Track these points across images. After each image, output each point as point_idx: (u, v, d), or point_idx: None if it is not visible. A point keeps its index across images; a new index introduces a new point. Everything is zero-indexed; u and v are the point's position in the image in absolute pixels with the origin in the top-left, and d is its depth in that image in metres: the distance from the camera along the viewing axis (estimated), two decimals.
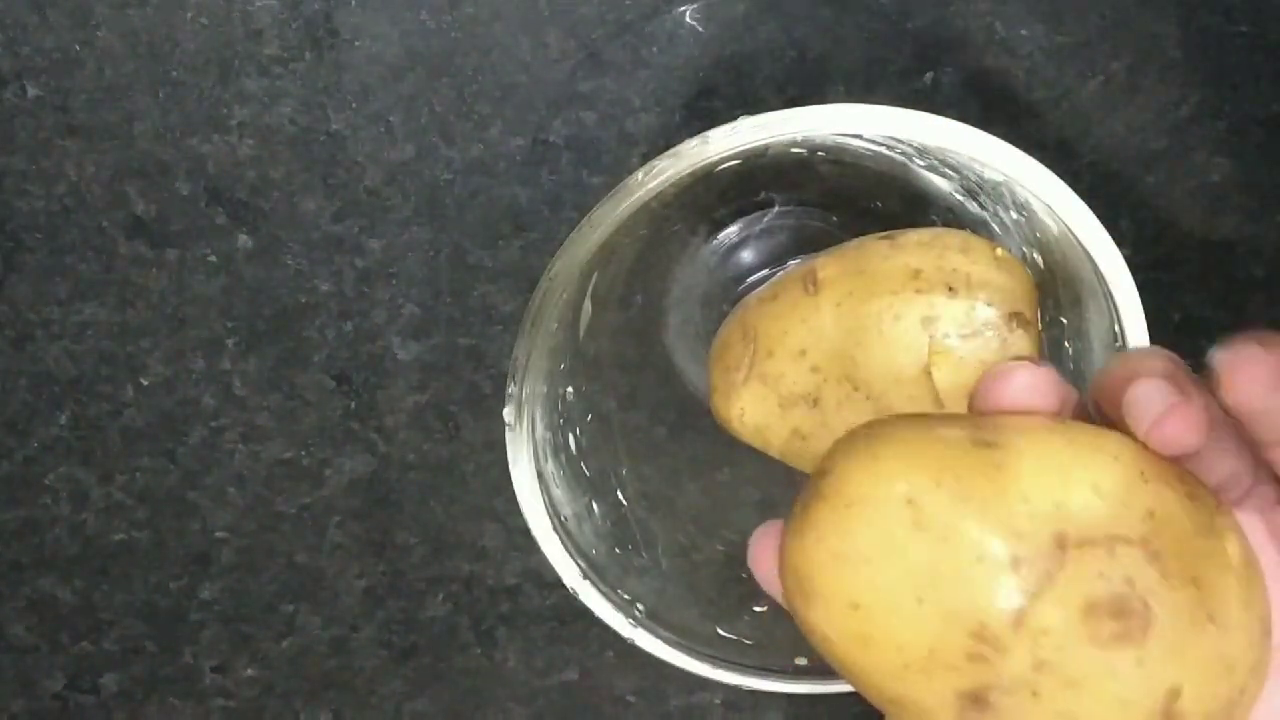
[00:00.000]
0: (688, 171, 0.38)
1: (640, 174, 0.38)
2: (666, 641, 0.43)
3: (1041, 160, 0.37)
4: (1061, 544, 0.26)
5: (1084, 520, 0.26)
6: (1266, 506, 0.29)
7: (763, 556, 0.30)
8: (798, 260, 0.45)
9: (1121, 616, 0.25)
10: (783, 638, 0.43)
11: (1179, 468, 0.28)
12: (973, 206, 0.43)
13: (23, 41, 0.46)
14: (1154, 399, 0.27)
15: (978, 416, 0.29)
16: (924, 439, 0.27)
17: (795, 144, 0.40)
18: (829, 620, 0.27)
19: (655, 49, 0.47)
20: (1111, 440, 0.27)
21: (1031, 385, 0.29)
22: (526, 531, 0.41)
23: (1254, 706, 0.27)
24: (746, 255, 0.48)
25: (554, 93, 0.47)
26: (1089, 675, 0.25)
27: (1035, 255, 0.42)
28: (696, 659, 0.42)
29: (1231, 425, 0.29)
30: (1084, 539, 0.26)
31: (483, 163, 0.48)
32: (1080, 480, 0.26)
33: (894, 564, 0.26)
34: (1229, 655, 0.26)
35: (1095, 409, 0.30)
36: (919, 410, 0.40)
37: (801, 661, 0.43)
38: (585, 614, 0.42)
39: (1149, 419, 0.27)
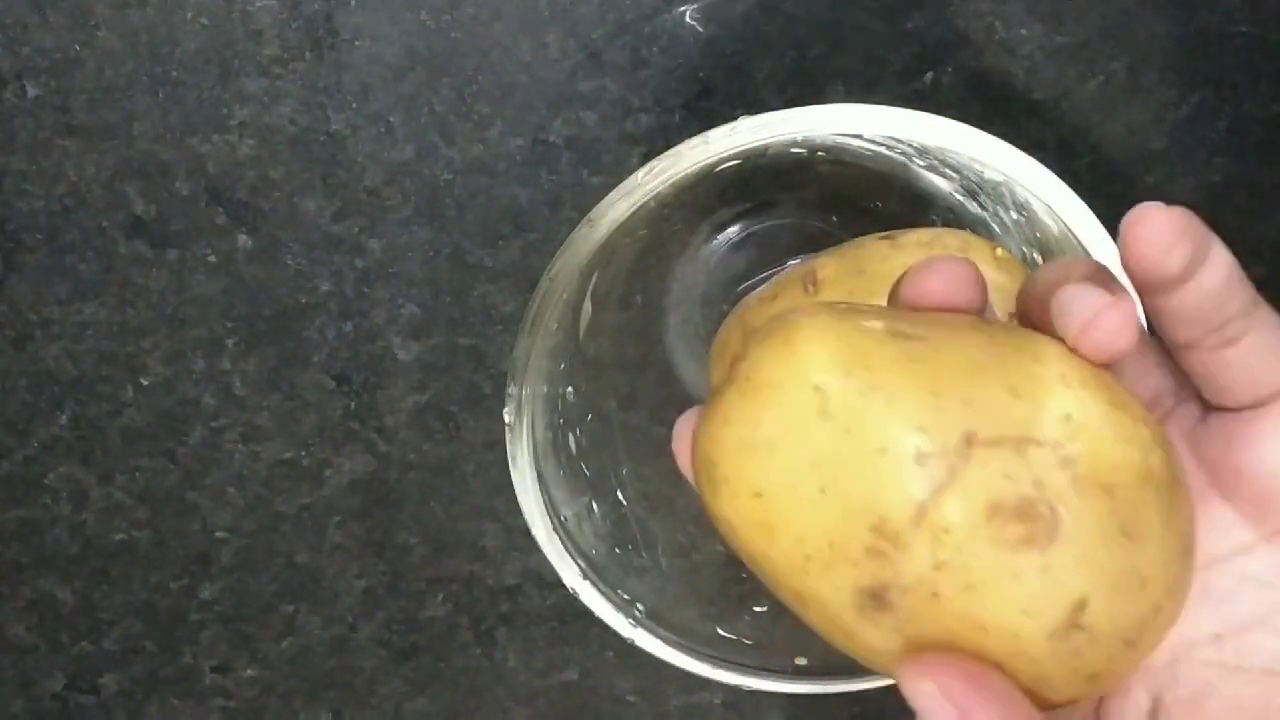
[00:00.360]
0: (688, 171, 0.38)
1: (640, 174, 0.38)
2: (666, 641, 0.43)
3: (1041, 160, 0.37)
4: (969, 441, 0.25)
5: (995, 420, 0.25)
6: (1189, 425, 0.28)
7: (683, 441, 0.29)
8: (798, 260, 0.45)
9: (1027, 520, 0.24)
10: (783, 638, 0.43)
11: (1107, 375, 0.26)
12: (973, 206, 0.43)
13: (23, 41, 0.46)
14: (1083, 303, 0.26)
15: (906, 311, 0.27)
16: (841, 327, 0.26)
17: (795, 144, 0.40)
18: (734, 507, 0.26)
19: (655, 49, 0.47)
20: (1035, 342, 0.27)
21: (955, 278, 0.27)
22: (526, 531, 0.41)
23: (1169, 626, 0.26)
24: (746, 255, 0.48)
25: (554, 93, 0.47)
26: (990, 578, 0.24)
27: (1035, 255, 0.42)
28: (696, 659, 0.42)
29: (1155, 343, 0.29)
30: (993, 439, 0.25)
31: (483, 163, 0.48)
32: (995, 379, 0.25)
33: (798, 452, 0.25)
34: (1143, 570, 0.25)
35: (1023, 319, 0.29)
36: None
37: (801, 661, 0.43)
38: (585, 614, 0.42)
39: (1077, 323, 0.26)
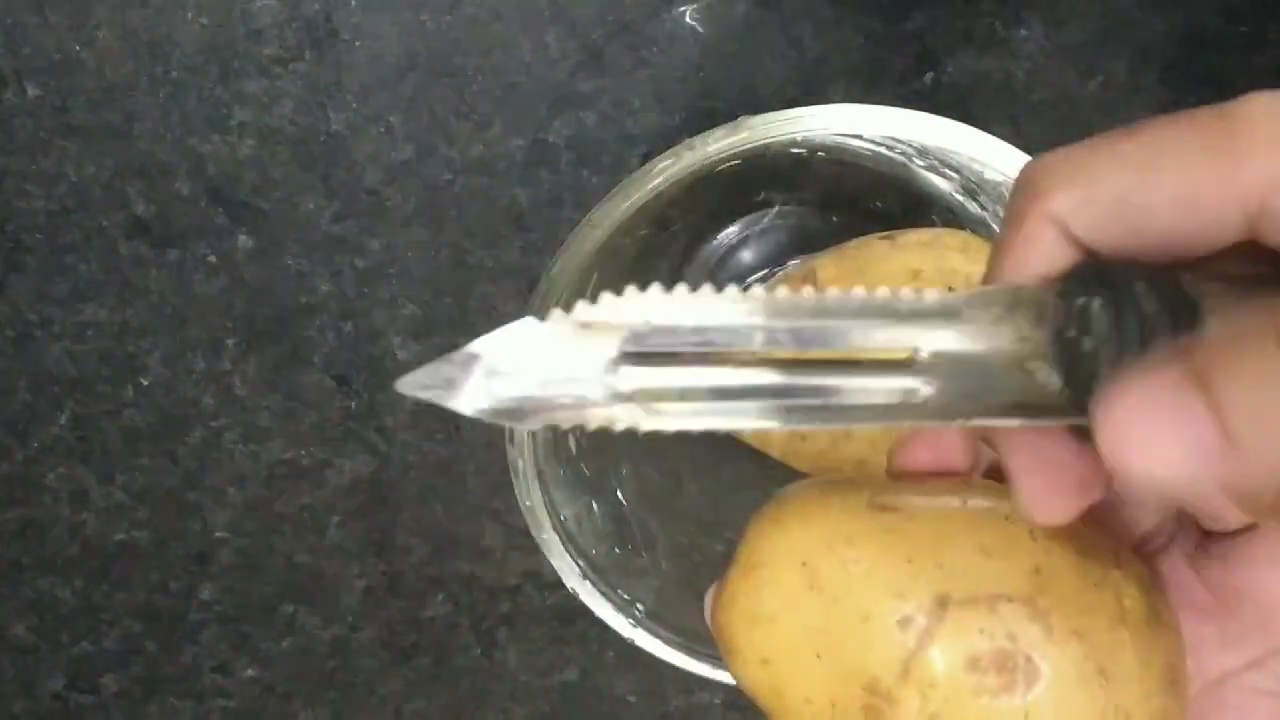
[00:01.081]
0: (688, 171, 0.38)
1: (640, 174, 0.38)
2: (666, 641, 0.42)
3: None
4: (943, 603, 0.27)
5: (967, 580, 0.27)
6: (1190, 548, 0.29)
7: (709, 612, 0.32)
8: (798, 260, 0.45)
9: (1004, 670, 0.27)
10: None
11: (1078, 524, 0.27)
12: (973, 206, 0.43)
13: (23, 41, 0.46)
14: (1013, 484, 0.26)
15: (891, 481, 0.30)
16: (823, 504, 0.29)
17: (795, 144, 0.40)
18: (747, 674, 0.29)
19: (655, 49, 0.47)
20: (1007, 501, 0.28)
21: (941, 450, 0.29)
22: (526, 531, 0.41)
23: None
24: (746, 255, 0.48)
25: (554, 93, 0.47)
26: None
27: None
28: (696, 659, 0.42)
29: None
30: (966, 598, 0.27)
31: (483, 163, 0.48)
32: (967, 541, 0.28)
33: (794, 623, 0.28)
34: (1125, 707, 0.27)
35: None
36: None
37: None
38: (585, 614, 0.42)
39: (1018, 498, 0.26)
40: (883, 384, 0.23)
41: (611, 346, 0.23)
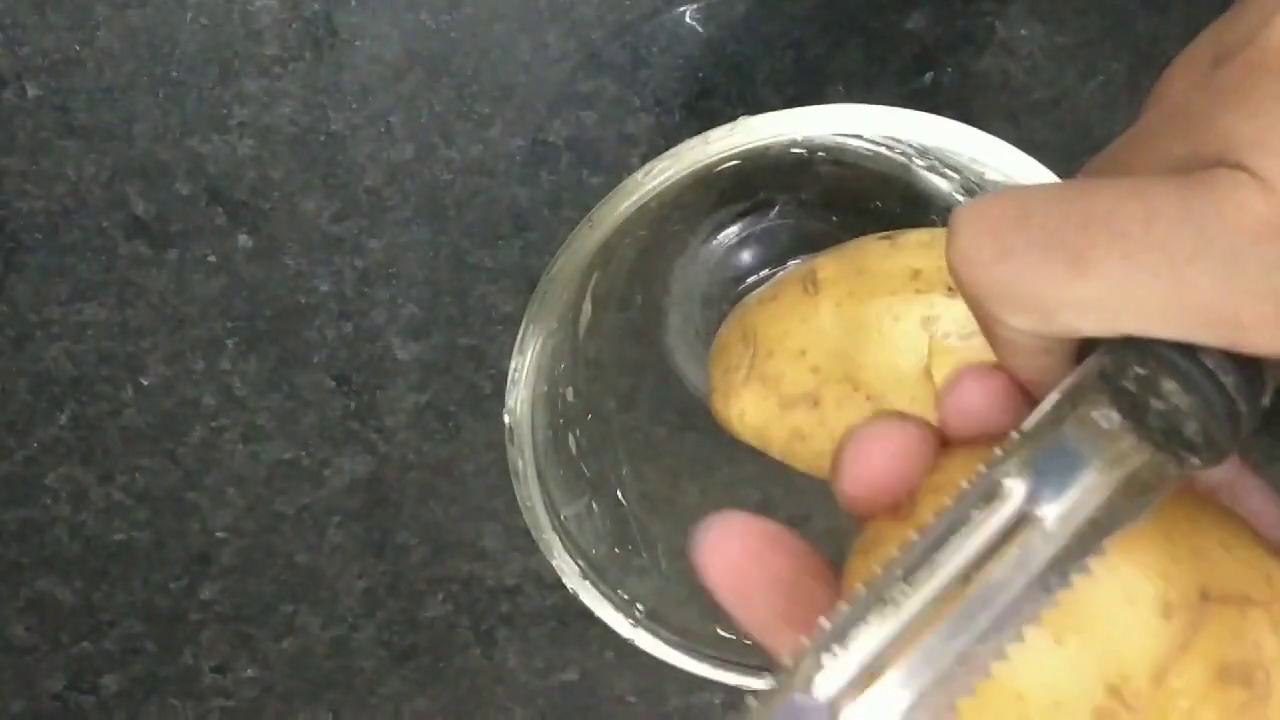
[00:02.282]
0: (688, 171, 0.38)
1: (640, 174, 0.38)
2: (666, 641, 0.42)
3: (1041, 160, 0.37)
4: (1205, 596, 0.24)
5: (1222, 575, 0.24)
6: None
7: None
8: (798, 260, 0.45)
9: (1249, 685, 0.23)
10: None
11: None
12: None
13: (23, 41, 0.46)
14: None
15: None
16: None
17: (795, 144, 0.40)
18: None
19: (655, 49, 0.47)
20: (1207, 502, 0.26)
21: (985, 394, 0.27)
22: (526, 531, 0.41)
23: None
24: (746, 255, 0.48)
25: (554, 93, 0.47)
26: None
27: None
28: (696, 659, 0.42)
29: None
30: (1223, 595, 0.24)
31: (483, 163, 0.48)
32: (1211, 530, 0.25)
33: None
34: None
35: None
36: (918, 409, 0.40)
37: None
38: (585, 614, 0.42)
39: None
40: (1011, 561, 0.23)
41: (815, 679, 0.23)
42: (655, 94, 0.47)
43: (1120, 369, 0.23)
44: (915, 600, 0.23)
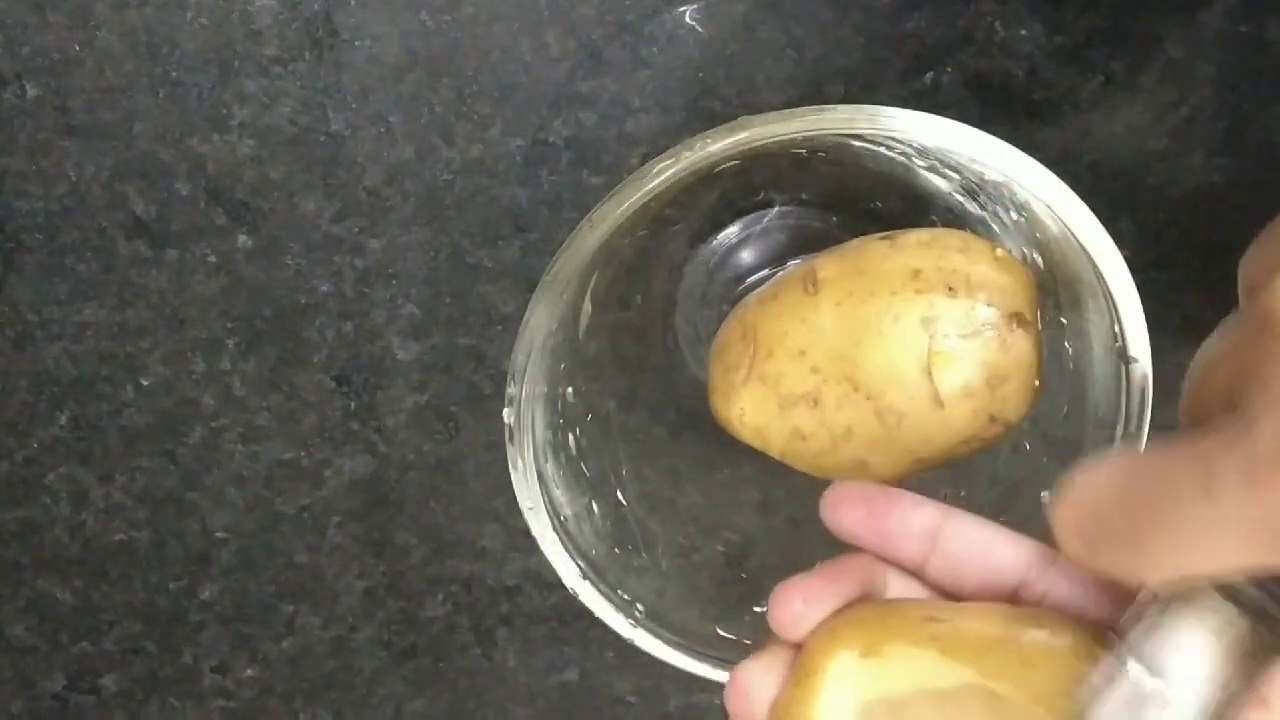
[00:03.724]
0: (688, 171, 0.38)
1: (640, 174, 0.38)
2: (666, 641, 0.42)
3: (1041, 160, 0.37)
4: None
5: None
6: None
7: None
8: (798, 260, 0.45)
9: None
10: None
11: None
12: (973, 206, 0.43)
13: (23, 41, 0.46)
14: None
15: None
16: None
17: (795, 144, 0.40)
18: None
19: (655, 49, 0.47)
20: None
21: (866, 511, 0.34)
22: (526, 531, 0.41)
23: None
24: (746, 255, 0.48)
25: (554, 93, 0.47)
26: None
27: (1035, 255, 0.42)
28: (696, 659, 0.42)
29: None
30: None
31: (483, 163, 0.48)
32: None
33: None
34: None
35: None
36: (918, 409, 0.40)
37: None
38: (585, 614, 0.42)
39: None
40: None
41: None
42: (655, 94, 0.47)
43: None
44: None
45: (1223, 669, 0.27)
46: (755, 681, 0.32)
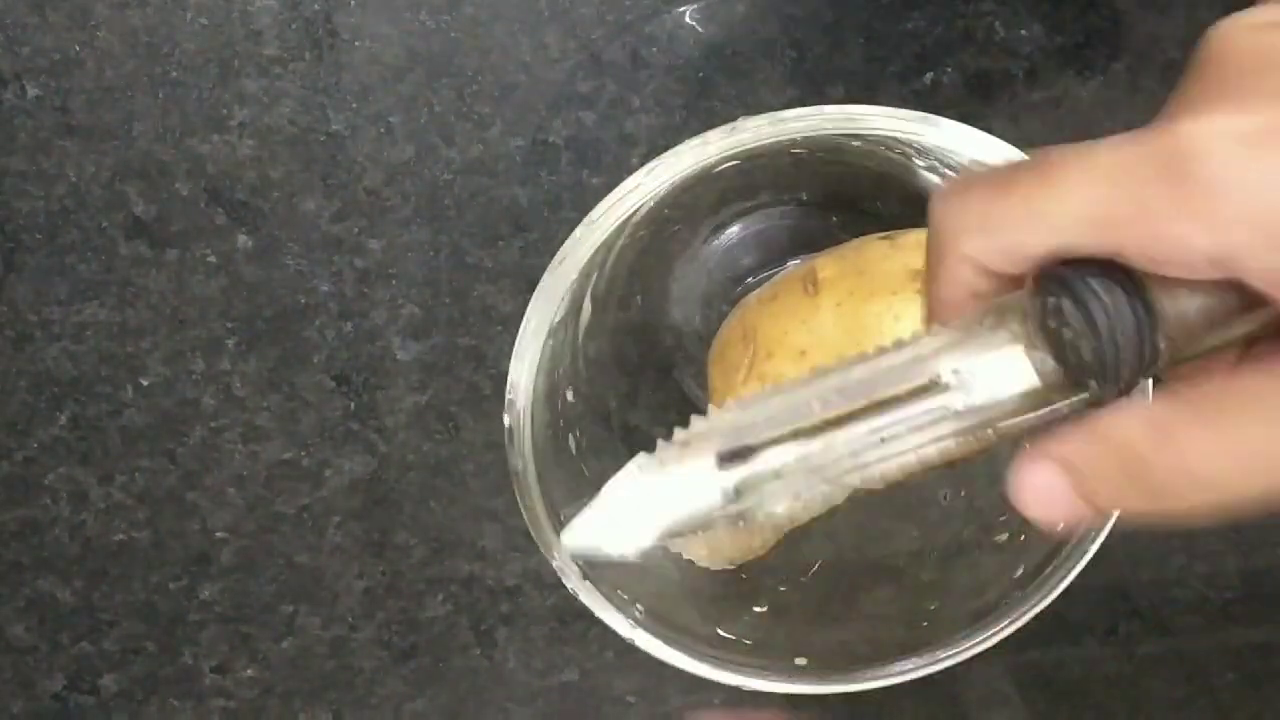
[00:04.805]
0: (688, 171, 0.38)
1: (640, 174, 0.38)
2: (666, 641, 0.42)
3: None
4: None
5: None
6: None
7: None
8: (798, 260, 0.45)
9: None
10: (782, 638, 0.43)
11: None
12: None
13: (23, 41, 0.46)
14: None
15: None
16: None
17: (795, 144, 0.40)
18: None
19: (655, 49, 0.47)
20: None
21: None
22: (526, 531, 0.41)
23: None
24: (746, 255, 0.48)
25: (554, 93, 0.47)
26: None
27: None
28: (696, 659, 0.42)
29: None
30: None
31: (483, 163, 0.48)
32: None
33: None
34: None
35: None
36: None
37: (801, 662, 0.43)
38: (585, 614, 0.42)
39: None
40: (922, 408, 0.28)
41: (709, 456, 0.29)
42: (655, 94, 0.47)
43: (1041, 295, 0.27)
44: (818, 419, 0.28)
45: (1011, 402, 0.28)
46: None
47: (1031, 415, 0.28)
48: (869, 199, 0.46)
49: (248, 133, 0.47)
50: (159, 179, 0.48)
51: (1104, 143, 0.26)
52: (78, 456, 0.51)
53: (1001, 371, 0.27)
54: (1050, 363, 0.27)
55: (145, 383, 0.50)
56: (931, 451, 0.28)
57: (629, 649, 0.43)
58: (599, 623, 0.42)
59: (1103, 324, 0.26)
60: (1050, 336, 0.27)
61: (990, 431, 0.28)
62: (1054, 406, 0.28)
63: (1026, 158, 0.28)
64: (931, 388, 0.28)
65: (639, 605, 0.43)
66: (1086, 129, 0.48)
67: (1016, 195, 0.27)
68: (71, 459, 0.51)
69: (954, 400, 0.27)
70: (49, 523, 0.52)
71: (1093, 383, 0.27)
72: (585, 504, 0.33)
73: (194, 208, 0.48)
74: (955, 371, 0.27)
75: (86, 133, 0.47)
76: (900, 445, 0.28)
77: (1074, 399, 0.27)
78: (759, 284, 0.45)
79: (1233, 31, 0.26)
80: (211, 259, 0.49)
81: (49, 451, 0.51)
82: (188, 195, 0.48)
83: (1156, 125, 0.25)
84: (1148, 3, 0.47)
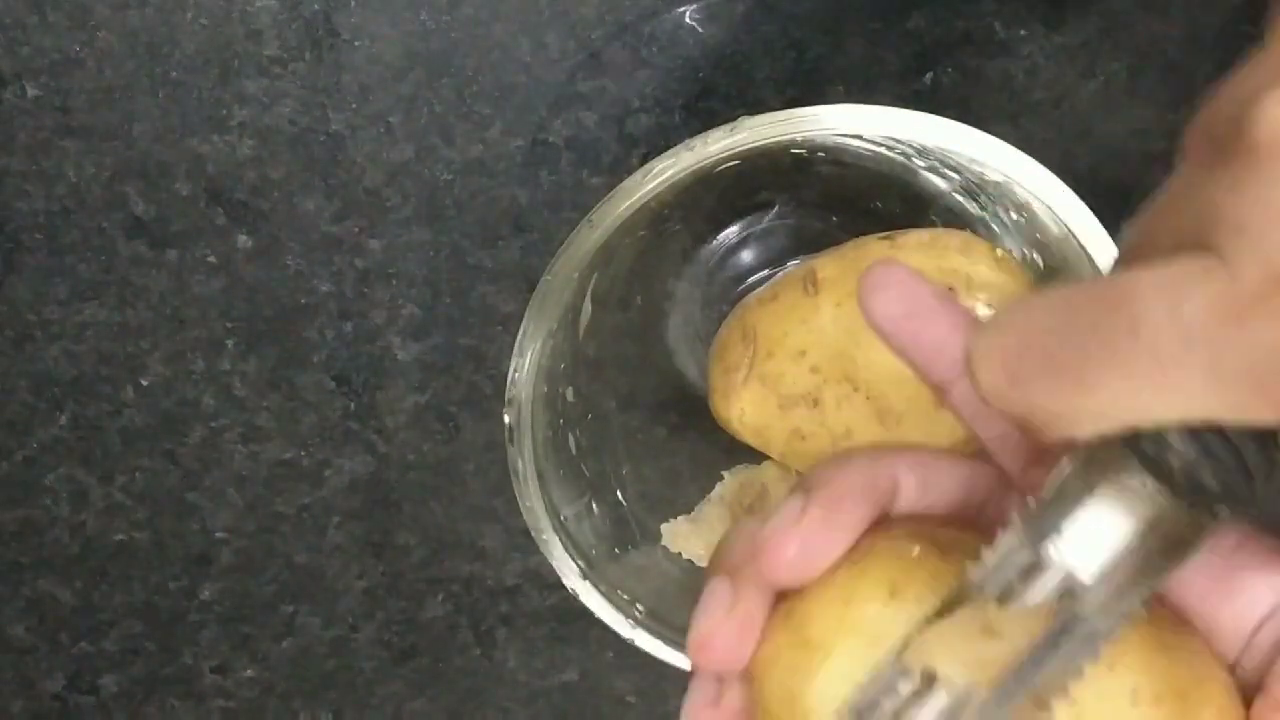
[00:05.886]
0: (688, 171, 0.38)
1: (640, 174, 0.38)
2: (666, 641, 0.43)
3: (1041, 160, 0.37)
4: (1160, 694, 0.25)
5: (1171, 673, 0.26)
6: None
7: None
8: (798, 260, 0.45)
9: None
10: None
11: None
12: (973, 206, 0.43)
13: (23, 41, 0.46)
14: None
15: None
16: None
17: (795, 144, 0.40)
18: None
19: (655, 49, 0.47)
20: None
21: (907, 304, 0.28)
22: (526, 531, 0.41)
23: None
24: (746, 255, 0.48)
25: (554, 93, 0.47)
26: None
27: (1035, 255, 0.42)
28: None
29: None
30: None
31: (483, 163, 0.48)
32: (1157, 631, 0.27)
33: None
34: None
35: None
36: (917, 409, 0.40)
37: None
38: (585, 614, 0.42)
39: None
40: (1050, 639, 0.24)
41: None
42: (655, 94, 0.47)
43: (1130, 438, 0.24)
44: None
45: (1135, 554, 0.24)
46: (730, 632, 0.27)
47: (1163, 569, 0.24)
48: (869, 199, 0.46)
49: (248, 133, 0.47)
50: (159, 179, 0.48)
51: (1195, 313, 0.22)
52: (78, 456, 0.51)
53: (1110, 530, 0.24)
54: (1163, 503, 0.24)
55: (145, 383, 0.50)
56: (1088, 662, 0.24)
57: (629, 649, 0.43)
58: (599, 623, 0.42)
59: (1218, 444, 0.23)
60: (1157, 473, 0.24)
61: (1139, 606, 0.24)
62: (1185, 548, 0.24)
63: (1058, 304, 0.24)
64: (1050, 611, 0.24)
65: (639, 605, 0.43)
66: (1086, 129, 0.48)
67: (1098, 392, 0.23)
68: (71, 459, 0.51)
69: (1083, 597, 0.24)
70: (49, 523, 0.52)
71: (1222, 508, 0.24)
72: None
73: (194, 208, 0.48)
74: (1056, 547, 0.24)
75: (86, 133, 0.47)
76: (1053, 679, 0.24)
77: (1202, 532, 0.24)
78: (759, 284, 0.45)
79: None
80: (211, 259, 0.49)
81: (49, 451, 0.51)
82: (188, 195, 0.48)
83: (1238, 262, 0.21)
84: (1148, 3, 0.47)
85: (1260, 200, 0.21)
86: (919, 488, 0.28)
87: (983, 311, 0.39)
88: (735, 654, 0.27)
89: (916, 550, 0.26)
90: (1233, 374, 0.21)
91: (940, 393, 0.28)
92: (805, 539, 0.26)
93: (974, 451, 0.29)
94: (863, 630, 0.26)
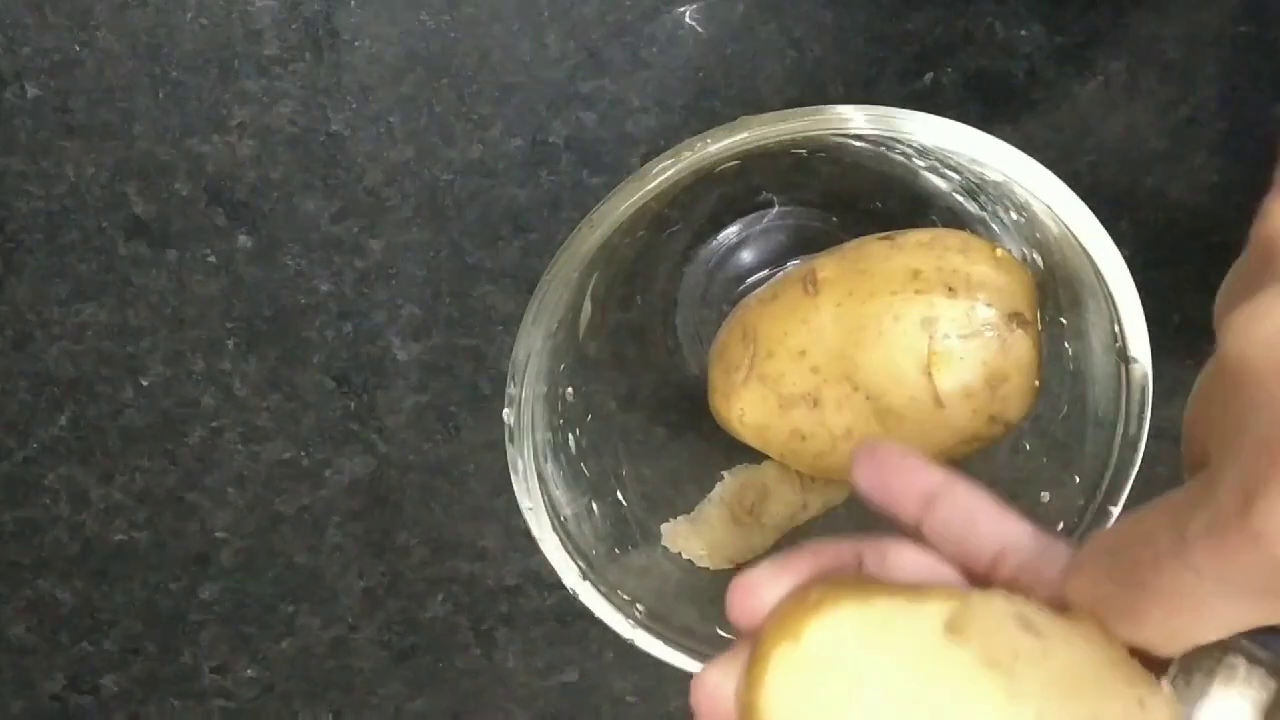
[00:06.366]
0: (688, 171, 0.38)
1: (640, 174, 0.38)
2: (666, 641, 0.42)
3: (1041, 160, 0.37)
4: None
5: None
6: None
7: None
8: (798, 260, 0.45)
9: None
10: None
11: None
12: (973, 206, 0.43)
13: (23, 41, 0.46)
14: None
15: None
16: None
17: (795, 144, 0.40)
18: None
19: (655, 49, 0.47)
20: None
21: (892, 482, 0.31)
22: (526, 531, 0.41)
23: None
24: (746, 255, 0.48)
25: (554, 93, 0.47)
26: None
27: (1035, 255, 0.42)
28: (696, 659, 0.42)
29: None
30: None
31: (483, 163, 0.48)
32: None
33: None
34: None
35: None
36: (917, 409, 0.40)
37: None
38: (585, 614, 0.42)
39: None
40: None
41: None
42: (655, 94, 0.47)
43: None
44: None
45: None
46: (720, 678, 0.31)
47: None
48: (869, 199, 0.46)
49: (248, 133, 0.47)
50: (159, 179, 0.48)
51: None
52: (78, 456, 0.51)
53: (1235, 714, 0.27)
54: (1273, 685, 0.26)
55: (145, 383, 0.50)
56: None
57: (629, 649, 0.43)
58: (599, 623, 0.42)
59: None
60: (1253, 658, 0.26)
61: None
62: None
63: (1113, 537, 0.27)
64: None
65: (639, 605, 0.43)
66: (1086, 129, 0.48)
67: (1149, 624, 0.26)
68: (71, 459, 0.51)
69: None
70: (49, 523, 0.52)
71: None
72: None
73: (194, 208, 0.48)
74: None
75: (86, 133, 0.47)
76: None
77: None
78: (759, 284, 0.45)
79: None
80: (211, 259, 0.49)
81: (49, 451, 0.51)
82: (188, 195, 0.48)
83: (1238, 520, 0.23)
84: (1148, 3, 0.47)
85: (1235, 421, 0.23)
86: (877, 565, 0.31)
87: (982, 311, 0.39)
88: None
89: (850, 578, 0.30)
90: (1241, 593, 0.23)
91: (914, 530, 0.31)
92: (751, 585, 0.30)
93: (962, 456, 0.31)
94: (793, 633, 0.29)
